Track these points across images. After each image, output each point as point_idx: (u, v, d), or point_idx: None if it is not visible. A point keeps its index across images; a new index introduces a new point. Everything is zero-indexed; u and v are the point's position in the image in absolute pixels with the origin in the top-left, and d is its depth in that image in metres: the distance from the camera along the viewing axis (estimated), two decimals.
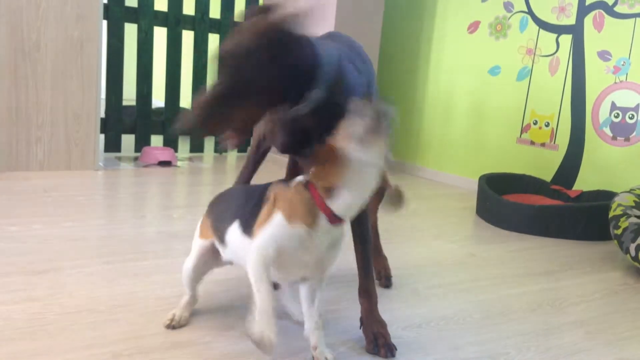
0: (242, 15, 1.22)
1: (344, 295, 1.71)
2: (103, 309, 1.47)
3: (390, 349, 1.37)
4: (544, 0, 3.16)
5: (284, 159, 1.73)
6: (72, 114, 2.97)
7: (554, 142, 3.14)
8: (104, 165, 3.22)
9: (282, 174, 1.70)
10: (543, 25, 3.17)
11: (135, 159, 3.50)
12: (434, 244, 2.34)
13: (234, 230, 1.25)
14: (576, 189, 2.98)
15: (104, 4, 3.22)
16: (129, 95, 3.64)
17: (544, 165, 3.18)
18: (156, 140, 3.67)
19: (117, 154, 3.56)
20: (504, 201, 2.69)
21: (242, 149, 3.97)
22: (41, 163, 2.94)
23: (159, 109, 3.74)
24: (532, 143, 3.24)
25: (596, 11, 2.95)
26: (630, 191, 2.37)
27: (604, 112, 2.93)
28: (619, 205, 2.26)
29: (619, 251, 2.30)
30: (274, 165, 2.39)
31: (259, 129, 1.52)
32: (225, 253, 1.34)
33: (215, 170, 3.49)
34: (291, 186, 1.21)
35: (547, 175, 3.15)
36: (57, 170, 2.98)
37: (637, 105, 2.80)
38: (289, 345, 1.37)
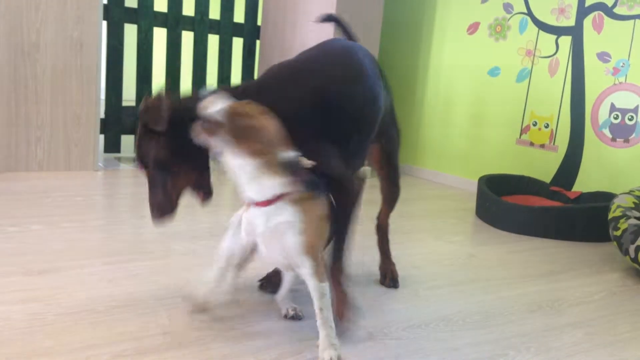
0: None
1: None
2: (102, 309, 1.47)
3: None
4: (544, 2, 3.16)
5: None
6: (72, 114, 2.97)
7: (554, 144, 3.14)
8: (103, 166, 3.22)
9: None
10: (542, 26, 3.18)
11: (135, 159, 3.50)
12: (434, 244, 2.34)
13: None
14: (575, 190, 2.98)
15: (104, 5, 3.22)
16: (129, 95, 3.64)
17: (543, 166, 3.18)
18: None
19: (117, 155, 3.56)
20: (504, 202, 2.69)
21: None
22: (41, 163, 2.94)
23: None
24: (532, 144, 3.24)
25: (596, 13, 2.95)
26: (629, 192, 2.37)
27: (603, 114, 2.93)
28: (619, 206, 2.26)
29: (619, 252, 2.30)
30: None
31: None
32: None
33: (216, 170, 3.49)
34: None
35: (547, 176, 3.15)
36: (57, 171, 2.98)
37: (637, 106, 2.80)
38: (290, 345, 1.37)
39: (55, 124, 2.94)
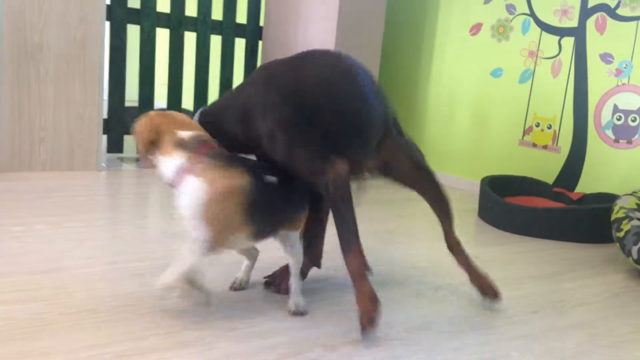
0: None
1: (346, 297, 1.71)
2: (105, 309, 1.47)
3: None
4: (546, 3, 3.16)
5: None
6: (75, 114, 2.98)
7: (556, 145, 3.14)
8: (106, 166, 3.23)
9: None
10: (545, 27, 3.17)
11: (138, 159, 3.51)
12: (436, 245, 2.34)
13: None
14: (578, 192, 2.98)
15: (107, 5, 3.22)
16: (132, 96, 3.65)
17: (546, 167, 3.18)
18: None
19: (120, 155, 3.56)
20: (506, 203, 2.69)
21: None
22: (44, 163, 2.94)
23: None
24: (534, 145, 3.24)
25: (598, 14, 2.95)
26: (632, 194, 2.37)
27: (606, 115, 2.93)
28: (621, 208, 2.26)
29: (621, 254, 2.30)
30: None
31: None
32: None
33: None
34: None
35: (549, 177, 3.15)
36: (60, 171, 2.99)
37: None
38: (293, 345, 1.37)
39: (58, 124, 2.94)
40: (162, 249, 1.97)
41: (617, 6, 2.87)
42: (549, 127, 3.17)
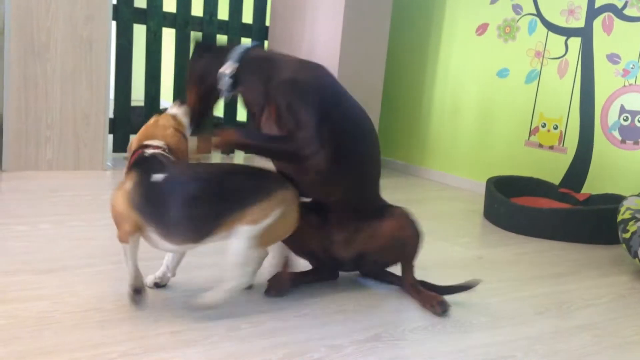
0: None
1: (351, 296, 1.71)
2: (110, 308, 1.47)
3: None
4: (553, 3, 3.15)
5: None
6: (81, 114, 2.99)
7: (563, 145, 3.13)
8: (112, 165, 3.24)
9: None
10: (552, 27, 3.16)
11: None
12: (441, 246, 2.34)
13: None
14: (584, 192, 2.96)
15: (113, 5, 3.23)
16: (138, 95, 3.66)
17: (552, 168, 3.17)
18: None
19: (126, 154, 3.57)
20: (512, 204, 2.68)
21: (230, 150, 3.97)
22: (50, 163, 2.95)
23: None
24: (541, 146, 3.23)
25: (605, 14, 2.94)
26: (639, 195, 2.36)
27: (612, 116, 2.91)
28: (628, 209, 2.25)
29: (627, 255, 2.29)
30: None
31: None
32: None
33: None
34: None
35: (556, 178, 3.14)
36: (66, 170, 3.00)
37: None
38: (296, 345, 1.37)
39: (64, 123, 2.95)
40: None
41: (624, 6, 2.86)
42: (555, 128, 3.16)
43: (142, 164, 1.47)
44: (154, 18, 3.50)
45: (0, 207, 2.30)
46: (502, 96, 3.41)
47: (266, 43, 3.92)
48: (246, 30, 3.87)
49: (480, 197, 3.29)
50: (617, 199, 2.65)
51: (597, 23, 2.97)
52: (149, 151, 1.51)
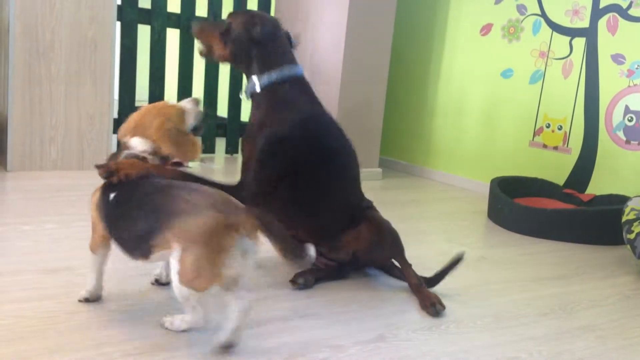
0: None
1: (355, 297, 1.71)
2: (114, 307, 1.48)
3: None
4: (558, 3, 3.14)
5: None
6: (86, 114, 2.99)
7: (567, 146, 3.12)
8: None
9: None
10: (556, 28, 3.16)
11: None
12: (445, 246, 2.33)
13: None
14: (589, 193, 2.96)
15: (118, 6, 3.24)
16: (142, 96, 3.66)
17: (556, 168, 3.16)
18: None
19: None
20: (516, 205, 2.68)
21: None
22: (54, 163, 2.96)
23: None
24: (545, 146, 3.22)
25: (610, 14, 2.93)
26: None
27: (617, 116, 2.91)
28: (632, 209, 2.24)
29: (632, 256, 2.28)
30: None
31: None
32: None
33: (227, 171, 3.50)
34: None
35: (560, 178, 3.13)
36: (70, 170, 3.00)
37: None
38: (300, 345, 1.37)
39: (69, 123, 2.96)
40: None
41: (629, 7, 2.85)
42: (560, 128, 3.15)
43: (110, 175, 1.42)
44: (158, 18, 3.51)
45: (5, 207, 2.30)
46: (506, 96, 3.41)
47: None
48: None
49: (484, 197, 3.28)
50: (622, 200, 2.64)
51: (602, 23, 2.96)
52: (123, 156, 1.45)
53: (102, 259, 1.47)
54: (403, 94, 4.01)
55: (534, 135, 3.28)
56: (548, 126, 3.21)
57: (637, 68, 2.83)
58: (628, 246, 2.17)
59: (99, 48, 2.97)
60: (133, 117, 1.51)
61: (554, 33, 3.17)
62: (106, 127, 3.05)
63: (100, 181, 1.46)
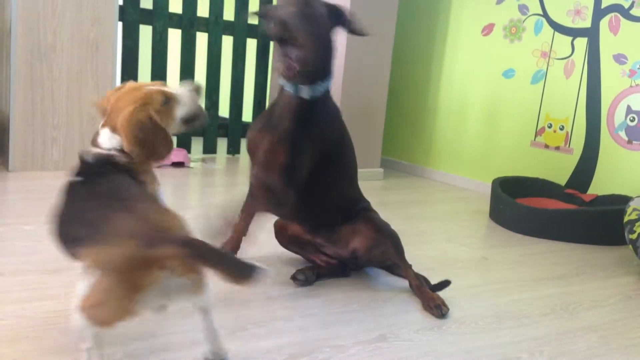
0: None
1: (356, 297, 1.71)
2: None
3: None
4: (559, 3, 3.14)
5: None
6: (88, 114, 3.00)
7: (569, 146, 3.12)
8: None
9: None
10: (558, 28, 3.15)
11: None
12: (446, 247, 2.33)
13: None
14: (591, 193, 2.95)
15: (119, 6, 3.24)
16: None
17: (558, 168, 3.16)
18: None
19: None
20: (518, 205, 2.68)
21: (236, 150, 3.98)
22: (56, 163, 2.96)
23: None
24: (547, 146, 3.22)
25: (612, 14, 2.93)
26: None
27: (619, 116, 2.90)
28: (634, 209, 2.24)
29: (634, 256, 2.28)
30: None
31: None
32: None
33: (228, 171, 3.50)
34: None
35: (562, 179, 3.13)
36: None
37: None
38: (301, 345, 1.37)
39: (70, 124, 2.96)
40: None
41: (631, 6, 2.84)
42: (562, 128, 3.15)
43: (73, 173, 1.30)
44: (160, 19, 3.51)
45: (7, 207, 2.31)
46: (508, 97, 3.41)
47: (271, 44, 3.93)
48: (252, 30, 3.87)
49: (485, 197, 3.28)
50: (624, 200, 2.64)
51: (604, 23, 2.96)
52: (89, 155, 1.31)
53: None
54: (404, 94, 4.01)
55: (535, 136, 3.27)
56: (550, 126, 3.20)
57: (639, 68, 2.82)
58: (630, 246, 2.17)
59: (100, 48, 2.97)
60: (111, 98, 1.28)
61: (556, 33, 3.16)
62: None
63: None
